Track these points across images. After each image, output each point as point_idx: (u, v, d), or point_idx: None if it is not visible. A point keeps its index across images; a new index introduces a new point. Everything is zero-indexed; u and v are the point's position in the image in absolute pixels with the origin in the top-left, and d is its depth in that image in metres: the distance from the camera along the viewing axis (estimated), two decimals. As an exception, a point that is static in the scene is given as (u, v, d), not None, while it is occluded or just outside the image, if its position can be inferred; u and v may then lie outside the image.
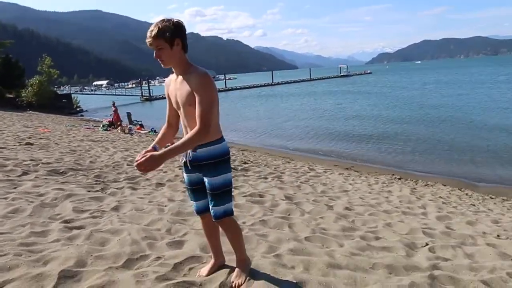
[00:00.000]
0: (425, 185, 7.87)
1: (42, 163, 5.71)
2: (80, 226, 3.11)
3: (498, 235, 3.73)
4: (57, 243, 2.69)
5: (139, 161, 1.84)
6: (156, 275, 2.21)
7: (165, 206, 3.91)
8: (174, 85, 2.05)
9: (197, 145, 2.02)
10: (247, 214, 3.82)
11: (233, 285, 2.16)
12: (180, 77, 2.01)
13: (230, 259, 2.41)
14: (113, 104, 17.48)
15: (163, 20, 1.91)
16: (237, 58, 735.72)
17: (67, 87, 69.74)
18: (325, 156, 12.31)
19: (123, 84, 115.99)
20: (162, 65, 1.98)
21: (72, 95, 38.57)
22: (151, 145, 2.06)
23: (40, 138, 9.59)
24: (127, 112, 20.15)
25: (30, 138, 9.30)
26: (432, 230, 3.74)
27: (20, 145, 7.86)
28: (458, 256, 2.97)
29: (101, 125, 16.79)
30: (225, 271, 2.29)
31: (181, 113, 2.08)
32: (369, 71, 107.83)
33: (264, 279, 2.19)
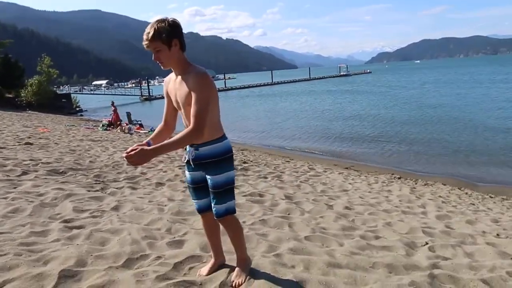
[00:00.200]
0: (425, 185, 7.88)
1: (41, 163, 5.71)
2: (80, 225, 3.11)
3: (497, 234, 3.74)
4: (57, 242, 2.69)
5: (129, 154, 1.81)
6: (156, 274, 2.21)
7: (165, 205, 3.91)
8: (174, 85, 2.04)
9: (200, 144, 2.02)
10: (247, 213, 3.82)
11: (233, 285, 2.16)
12: (179, 77, 2.00)
13: (230, 258, 2.41)
14: (112, 104, 17.46)
15: (158, 21, 1.89)
16: (237, 57, 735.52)
17: (66, 87, 69.67)
18: (325, 155, 12.32)
19: (122, 83, 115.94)
20: (161, 67, 1.98)
21: (72, 95, 38.52)
22: (145, 140, 2.04)
23: (40, 138, 9.59)
24: (127, 112, 20.14)
25: (29, 138, 9.29)
26: (432, 229, 3.74)
27: (20, 145, 7.85)
28: (458, 255, 2.97)
29: (101, 125, 16.78)
30: (225, 271, 2.29)
31: (182, 113, 2.08)
32: (368, 71, 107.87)
33: (264, 279, 2.19)
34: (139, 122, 18.54)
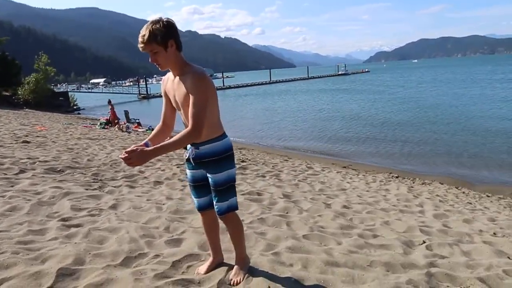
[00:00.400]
0: (422, 184, 7.90)
1: (39, 161, 5.69)
2: (78, 224, 3.10)
3: (494, 233, 3.76)
4: (55, 241, 2.69)
5: (128, 154, 1.80)
6: (155, 273, 2.21)
7: (163, 204, 3.91)
8: (172, 85, 2.04)
9: (200, 143, 2.02)
10: (245, 212, 3.83)
11: (232, 283, 2.17)
12: (177, 78, 1.99)
13: (229, 257, 2.42)
14: (109, 102, 17.39)
15: (153, 23, 1.87)
16: (235, 56, 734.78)
17: (64, 85, 69.38)
18: (323, 154, 12.34)
19: (120, 82, 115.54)
20: (159, 69, 1.97)
21: (69, 93, 38.40)
22: (143, 141, 2.03)
23: (37, 136, 9.55)
24: (125, 110, 20.07)
25: (27, 136, 9.26)
26: (429, 228, 3.75)
27: (17, 143, 7.82)
28: (455, 254, 2.98)
29: (99, 123, 16.73)
30: (223, 269, 2.29)
31: (181, 113, 2.07)
32: (367, 70, 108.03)
33: (262, 277, 2.20)
34: (137, 121, 18.49)
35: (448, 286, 2.37)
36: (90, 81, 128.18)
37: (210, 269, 2.30)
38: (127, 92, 51.91)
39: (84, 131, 13.16)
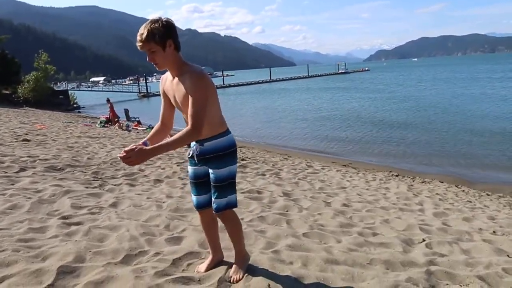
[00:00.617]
0: (422, 182, 7.91)
1: (39, 159, 5.70)
2: (79, 222, 3.11)
3: (494, 231, 3.76)
4: (55, 239, 2.69)
5: (126, 153, 1.80)
6: (155, 270, 2.22)
7: (164, 202, 3.92)
8: (171, 85, 2.04)
9: (204, 139, 2.03)
10: (245, 210, 3.83)
11: (232, 280, 2.17)
12: (176, 78, 1.99)
13: (229, 255, 2.42)
14: (108, 101, 17.37)
15: (152, 22, 1.87)
16: (235, 54, 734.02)
17: (64, 83, 69.29)
18: (323, 153, 12.34)
19: (120, 80, 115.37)
20: (157, 68, 1.97)
21: (69, 91, 38.36)
22: (142, 141, 2.03)
23: (37, 135, 9.56)
24: (125, 109, 20.06)
25: (27, 134, 9.26)
26: (429, 226, 3.76)
27: (17, 141, 7.82)
28: (454, 252, 2.99)
29: (99, 122, 16.73)
30: (223, 267, 2.30)
31: (182, 112, 2.08)
32: (367, 68, 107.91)
33: (262, 275, 2.20)
34: (137, 119, 18.48)
35: (447, 284, 2.37)
36: (90, 80, 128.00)
37: (210, 267, 2.30)
38: (127, 90, 51.86)
39: (84, 129, 13.16)
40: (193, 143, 2.11)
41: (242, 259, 2.27)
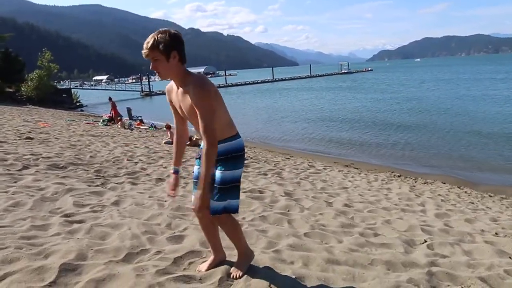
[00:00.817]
0: (424, 183, 7.89)
1: (42, 157, 5.72)
2: (81, 220, 3.12)
3: (496, 233, 3.75)
4: (57, 236, 2.70)
5: (196, 207, 1.99)
6: (156, 269, 2.23)
7: (165, 201, 3.93)
8: (177, 97, 2.06)
9: None
10: (247, 209, 3.84)
11: (232, 277, 2.18)
12: (181, 89, 2.01)
13: (230, 254, 2.43)
14: (110, 99, 17.40)
15: (160, 32, 1.90)
16: (238, 54, 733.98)
17: (67, 81, 69.58)
18: (325, 153, 12.33)
19: (123, 79, 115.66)
20: (159, 78, 1.99)
21: (72, 90, 38.46)
22: (172, 170, 2.20)
23: (40, 133, 9.60)
24: (127, 108, 20.11)
25: (30, 132, 9.30)
26: (431, 227, 3.75)
27: (20, 139, 7.86)
28: (456, 253, 2.98)
29: (101, 120, 16.77)
30: (225, 266, 2.30)
31: (189, 121, 2.13)
32: (369, 69, 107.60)
33: (263, 274, 2.21)
34: (139, 118, 18.53)
35: (448, 286, 2.37)
36: (93, 78, 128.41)
37: (211, 267, 2.30)
38: (130, 89, 51.98)
39: (86, 128, 13.20)
40: (202, 145, 2.13)
41: (244, 258, 2.27)
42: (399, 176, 8.48)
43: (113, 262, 2.31)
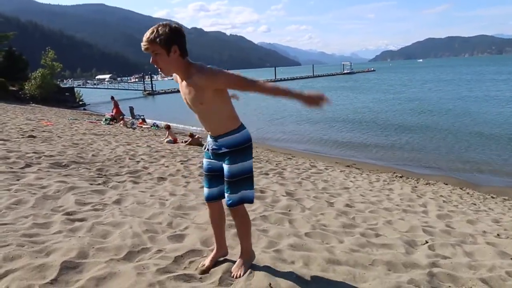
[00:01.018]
0: (427, 184, 7.87)
1: (45, 155, 5.74)
2: (82, 218, 3.13)
3: (498, 234, 3.74)
4: (59, 234, 2.71)
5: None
6: (157, 267, 2.23)
7: (167, 200, 3.93)
8: (182, 89, 2.05)
9: (219, 136, 2.07)
10: (248, 209, 3.81)
11: (233, 275, 2.18)
12: (184, 82, 2.00)
13: (231, 253, 2.43)
14: (112, 98, 17.44)
15: (160, 25, 1.88)
16: (240, 53, 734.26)
17: (70, 80, 69.74)
18: (327, 153, 12.32)
19: (125, 78, 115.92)
20: (162, 74, 1.98)
21: (75, 88, 38.62)
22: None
23: (43, 131, 9.63)
24: (130, 107, 20.15)
25: (33, 131, 9.34)
26: (432, 228, 3.74)
27: (23, 137, 7.89)
28: (457, 254, 2.97)
29: (104, 119, 16.81)
30: (226, 266, 2.30)
31: (195, 113, 2.11)
32: (372, 69, 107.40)
33: (263, 274, 2.20)
34: (141, 117, 18.56)
35: (450, 287, 2.36)
36: (96, 77, 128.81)
37: (214, 261, 2.31)
38: (133, 88, 52.10)
39: (89, 126, 13.24)
40: (208, 138, 2.15)
41: (246, 257, 2.27)
42: (401, 177, 8.46)
43: (114, 260, 2.32)
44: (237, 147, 2.07)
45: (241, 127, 2.12)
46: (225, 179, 2.09)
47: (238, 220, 2.22)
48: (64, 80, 68.28)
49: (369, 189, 6.17)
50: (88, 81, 71.10)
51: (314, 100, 1.95)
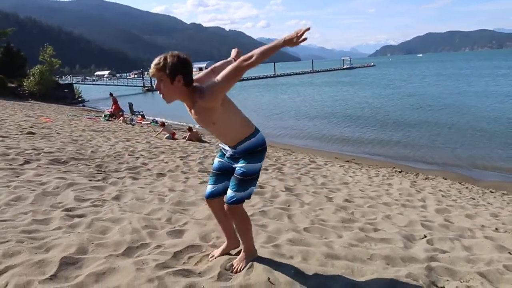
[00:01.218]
0: (426, 178, 7.89)
1: (44, 152, 5.74)
2: (82, 214, 3.14)
3: (496, 228, 3.75)
4: (58, 230, 2.72)
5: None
6: (156, 263, 2.24)
7: (166, 196, 3.94)
8: (192, 115, 2.09)
9: (237, 143, 2.12)
10: (247, 204, 3.83)
11: (233, 269, 2.19)
12: (193, 110, 2.03)
13: (231, 253, 2.44)
14: (111, 95, 17.40)
15: (170, 54, 1.93)
16: (240, 49, 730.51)
17: (69, 77, 69.60)
18: (326, 148, 12.33)
19: (125, 74, 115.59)
20: (164, 100, 2.00)
21: (74, 85, 38.53)
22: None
23: (42, 128, 9.63)
24: (129, 103, 20.12)
25: (32, 127, 9.33)
26: (431, 222, 3.76)
27: (22, 134, 7.89)
28: (455, 248, 2.99)
29: (103, 115, 16.80)
30: (225, 261, 2.31)
31: (210, 132, 2.21)
32: (372, 64, 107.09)
33: (262, 268, 2.21)
34: (141, 113, 18.54)
35: (447, 280, 2.37)
36: (95, 73, 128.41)
37: (224, 253, 2.36)
38: (132, 84, 51.99)
39: (88, 123, 13.23)
40: (227, 147, 2.21)
41: (247, 254, 2.28)
42: (400, 172, 8.47)
43: (113, 256, 2.33)
44: (253, 150, 2.13)
45: (256, 131, 2.18)
46: (237, 176, 2.12)
47: (238, 218, 2.22)
48: (63, 77, 68.05)
49: (368, 184, 6.19)
50: (87, 77, 70.96)
51: (294, 40, 1.93)
